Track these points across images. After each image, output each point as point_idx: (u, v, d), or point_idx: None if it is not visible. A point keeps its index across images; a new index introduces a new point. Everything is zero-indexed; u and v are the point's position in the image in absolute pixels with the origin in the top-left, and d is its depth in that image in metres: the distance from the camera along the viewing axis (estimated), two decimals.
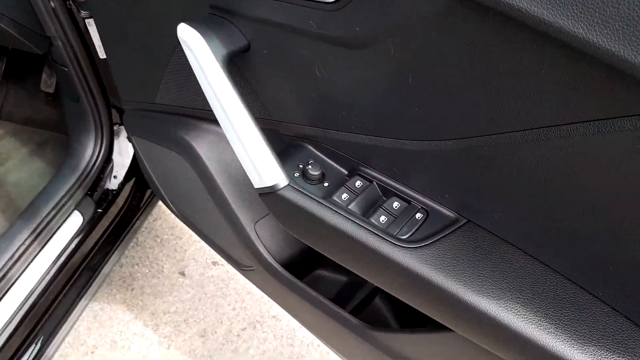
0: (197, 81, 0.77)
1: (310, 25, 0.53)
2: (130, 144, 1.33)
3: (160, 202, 1.60)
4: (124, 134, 1.31)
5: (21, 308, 1.03)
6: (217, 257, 1.77)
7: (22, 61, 1.53)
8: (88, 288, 1.17)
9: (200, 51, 0.60)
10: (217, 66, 0.60)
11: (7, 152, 1.48)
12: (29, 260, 1.07)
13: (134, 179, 1.35)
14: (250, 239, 0.83)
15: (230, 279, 1.72)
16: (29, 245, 1.07)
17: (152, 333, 1.52)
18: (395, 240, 0.52)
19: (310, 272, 0.91)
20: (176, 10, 0.70)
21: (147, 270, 1.70)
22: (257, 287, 1.00)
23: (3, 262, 1.03)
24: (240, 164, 0.77)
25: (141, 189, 1.38)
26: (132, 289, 1.63)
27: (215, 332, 1.55)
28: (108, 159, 1.30)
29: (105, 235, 1.24)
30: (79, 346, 1.47)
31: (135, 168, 1.35)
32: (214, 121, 0.84)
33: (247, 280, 1.74)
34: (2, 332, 0.99)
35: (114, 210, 1.27)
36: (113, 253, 1.25)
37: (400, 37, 0.46)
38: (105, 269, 1.22)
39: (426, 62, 0.46)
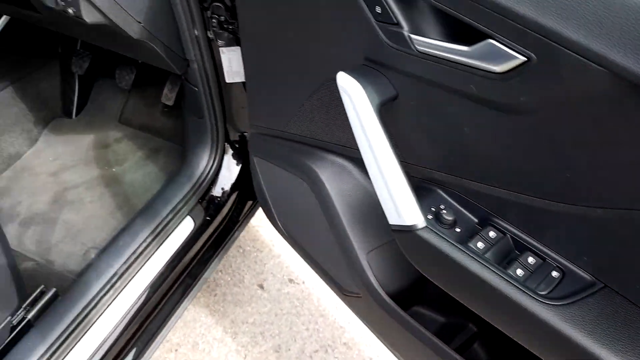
0: (334, 118, 0.85)
1: (470, 88, 0.59)
2: (234, 160, 1.45)
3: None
4: (230, 151, 1.44)
5: (135, 304, 1.14)
6: (294, 275, 1.85)
7: (146, 74, 1.71)
8: (190, 292, 1.27)
9: (358, 98, 0.67)
10: (372, 112, 0.67)
11: (125, 153, 1.64)
12: (147, 257, 1.18)
13: (236, 192, 1.46)
14: (362, 267, 0.90)
15: (305, 299, 1.79)
16: (149, 243, 1.19)
17: (231, 340, 1.61)
18: (535, 295, 0.56)
19: (409, 307, 0.95)
20: (331, 56, 0.78)
21: (229, 279, 1.80)
22: (357, 314, 1.06)
23: (127, 256, 1.15)
24: (362, 195, 0.83)
25: (242, 202, 1.48)
26: (215, 295, 1.74)
27: (289, 349, 1.62)
28: (217, 172, 1.42)
29: (210, 242, 1.35)
30: (165, 342, 1.58)
31: (239, 182, 1.46)
32: (339, 154, 0.92)
33: (320, 302, 1.82)
34: (117, 327, 1.10)
35: (218, 219, 1.38)
36: (214, 260, 1.35)
37: (565, 111, 0.51)
38: (206, 275, 1.33)
39: (590, 136, 0.50)
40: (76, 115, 1.73)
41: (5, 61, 1.56)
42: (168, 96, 1.61)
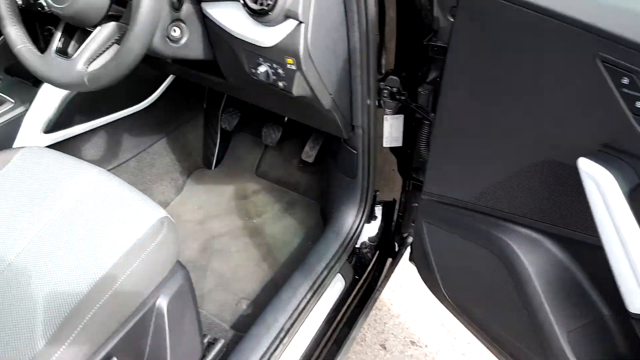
0: (547, 196, 0.86)
1: None
2: (378, 220, 1.49)
3: None
4: (375, 211, 1.47)
5: None
6: (415, 337, 1.83)
7: (287, 132, 1.81)
8: (340, 350, 1.29)
9: (608, 187, 0.69)
10: (623, 200, 0.68)
11: (263, 205, 1.73)
12: (308, 313, 1.22)
13: (379, 251, 1.49)
14: (561, 347, 0.88)
15: None
16: (309, 300, 1.23)
17: None
18: None
19: None
20: (552, 137, 0.80)
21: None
22: None
23: (290, 311, 1.19)
24: (559, 271, 0.82)
25: (382, 261, 1.51)
26: None
27: None
28: (362, 230, 1.46)
29: (356, 300, 1.38)
30: None
31: (381, 241, 1.50)
32: (533, 227, 0.93)
33: None
34: None
35: (364, 277, 1.41)
36: (360, 318, 1.37)
37: None
38: (354, 334, 1.34)
39: None
40: (215, 166, 1.85)
41: (163, 115, 1.71)
42: (309, 154, 1.69)
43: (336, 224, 1.45)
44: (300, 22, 0.93)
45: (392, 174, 1.45)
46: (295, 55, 0.96)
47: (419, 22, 1.18)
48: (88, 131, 1.47)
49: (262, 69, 1.01)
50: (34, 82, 1.41)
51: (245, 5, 0.93)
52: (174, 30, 1.09)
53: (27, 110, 1.29)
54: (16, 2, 1.02)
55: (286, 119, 1.72)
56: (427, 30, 1.16)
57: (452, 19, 1.14)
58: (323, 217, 1.65)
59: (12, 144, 1.30)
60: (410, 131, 1.35)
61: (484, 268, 1.00)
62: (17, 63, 1.52)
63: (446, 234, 1.10)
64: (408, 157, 1.43)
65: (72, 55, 0.99)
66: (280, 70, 0.99)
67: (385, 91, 1.24)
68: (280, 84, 1.02)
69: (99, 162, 1.55)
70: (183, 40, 1.10)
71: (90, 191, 1.04)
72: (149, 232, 0.98)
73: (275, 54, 0.98)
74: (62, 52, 0.99)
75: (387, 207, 1.52)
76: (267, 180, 1.80)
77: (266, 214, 1.68)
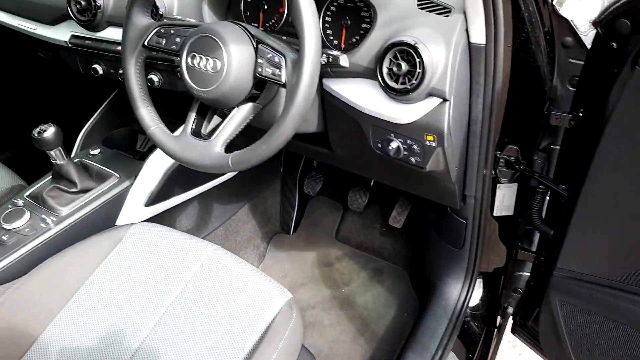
0: None
1: None
2: (483, 292, 1.43)
3: None
4: (480, 281, 1.42)
5: None
6: None
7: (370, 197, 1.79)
8: None
9: None
10: None
11: (349, 273, 1.68)
12: None
13: (486, 326, 1.42)
14: None
15: None
16: None
17: None
18: None
19: None
20: None
21: None
22: None
23: None
24: None
25: (489, 335, 1.43)
26: None
27: None
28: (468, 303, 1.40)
29: None
30: None
31: (488, 314, 1.43)
32: None
33: None
34: None
35: (476, 355, 1.33)
36: None
37: None
38: None
39: None
40: (294, 231, 1.83)
41: (246, 182, 1.71)
42: (396, 219, 1.66)
43: (442, 298, 1.39)
44: (445, 100, 0.92)
45: (492, 241, 1.40)
46: (438, 133, 0.94)
47: (538, 91, 1.17)
48: (182, 202, 1.46)
49: (394, 145, 0.99)
50: (140, 156, 1.43)
51: (384, 84, 0.93)
52: None
53: (132, 184, 1.29)
54: (146, 83, 1.04)
55: (372, 183, 1.70)
56: (545, 99, 1.15)
57: (572, 88, 1.13)
58: (415, 286, 1.59)
59: (117, 218, 1.29)
60: (520, 199, 1.32)
61: (631, 350, 0.93)
62: (113, 135, 1.55)
63: (584, 312, 1.04)
64: (514, 224, 1.38)
65: (206, 135, 0.99)
66: (415, 147, 0.98)
67: (502, 160, 1.22)
68: (413, 159, 1.00)
69: (192, 231, 1.53)
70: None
71: (211, 270, 1.02)
72: (281, 317, 0.95)
73: (412, 130, 0.97)
74: (196, 132, 0.99)
75: (489, 277, 1.46)
76: (348, 246, 1.76)
77: (353, 283, 1.63)
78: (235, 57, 0.89)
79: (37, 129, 1.14)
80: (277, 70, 0.86)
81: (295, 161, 1.86)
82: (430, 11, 0.95)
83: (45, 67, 1.80)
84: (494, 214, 1.31)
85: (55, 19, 1.34)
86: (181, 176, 1.41)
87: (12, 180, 1.39)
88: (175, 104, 1.25)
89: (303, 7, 0.80)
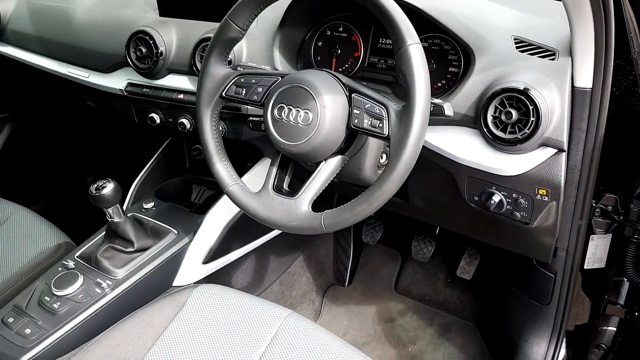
0: None
1: None
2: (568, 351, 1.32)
3: None
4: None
5: None
6: None
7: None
8: None
9: None
10: None
11: (414, 330, 1.56)
12: None
13: None
14: None
15: None
16: None
17: None
18: None
19: None
20: None
21: None
22: None
23: None
24: None
25: None
26: None
27: None
28: None
29: None
30: None
31: None
32: None
33: None
34: None
35: None
36: None
37: None
38: None
39: None
40: (349, 282, 1.73)
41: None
42: (465, 269, 1.56)
43: (525, 358, 1.27)
44: (561, 151, 0.84)
45: (575, 294, 1.29)
46: (553, 186, 0.85)
47: (637, 137, 1.09)
48: (239, 258, 1.38)
49: (496, 198, 0.91)
50: (197, 209, 1.36)
51: (489, 134, 0.86)
52: (382, 157, 1.02)
53: (191, 241, 1.21)
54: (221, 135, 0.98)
55: (438, 230, 1.60)
56: None
57: None
58: (489, 344, 1.47)
59: (174, 278, 1.21)
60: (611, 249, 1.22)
61: None
62: (166, 186, 1.49)
63: None
64: (603, 277, 1.28)
65: (287, 191, 0.92)
66: (522, 201, 0.89)
67: (598, 209, 1.13)
68: (518, 214, 0.91)
69: (249, 289, 1.44)
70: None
71: (289, 338, 0.92)
72: None
73: (520, 183, 0.88)
74: (278, 189, 0.92)
75: (570, 333, 1.35)
76: (410, 299, 1.65)
77: (420, 340, 1.52)
78: (329, 109, 0.82)
79: (95, 185, 1.07)
80: (378, 122, 0.79)
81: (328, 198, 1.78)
82: (532, 54, 0.89)
83: (94, 115, 1.76)
84: (585, 267, 1.21)
85: (110, 67, 1.29)
86: (240, 230, 1.33)
87: (57, 237, 1.32)
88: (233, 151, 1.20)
89: (413, 53, 0.74)
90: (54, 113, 1.81)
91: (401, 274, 1.70)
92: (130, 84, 1.28)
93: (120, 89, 1.29)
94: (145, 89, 1.25)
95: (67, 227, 1.47)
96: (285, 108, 0.85)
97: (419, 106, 0.73)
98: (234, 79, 0.92)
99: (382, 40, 1.09)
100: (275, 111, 0.86)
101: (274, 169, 0.91)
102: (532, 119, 0.81)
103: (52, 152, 1.87)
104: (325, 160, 0.87)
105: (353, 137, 0.88)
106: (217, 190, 1.42)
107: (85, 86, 1.37)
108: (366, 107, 0.80)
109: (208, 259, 1.27)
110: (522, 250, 1.14)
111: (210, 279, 1.30)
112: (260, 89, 0.90)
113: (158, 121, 1.29)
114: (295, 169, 0.95)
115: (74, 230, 1.45)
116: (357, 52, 1.11)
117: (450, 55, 1.00)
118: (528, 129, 0.82)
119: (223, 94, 0.93)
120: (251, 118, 1.08)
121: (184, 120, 1.26)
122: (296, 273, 1.62)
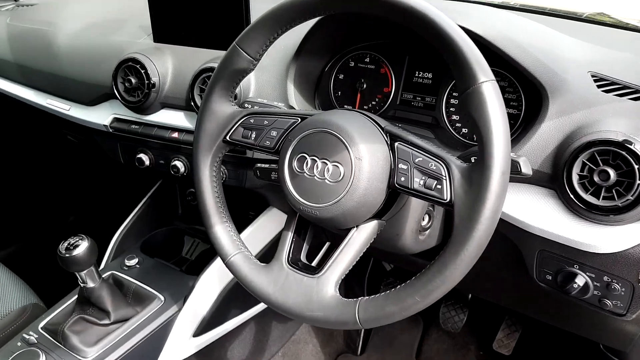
0: None
1: None
2: None
3: None
4: None
5: None
6: None
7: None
8: None
9: None
10: None
11: None
12: None
13: None
14: None
15: None
16: None
17: None
18: None
19: None
20: None
21: None
22: None
23: None
24: None
25: None
26: None
27: None
28: None
29: None
30: None
31: None
32: None
33: None
34: None
35: None
36: None
37: None
38: None
39: None
40: (362, 351, 1.50)
41: None
42: (503, 342, 1.34)
43: None
44: None
45: None
46: None
47: None
48: (236, 327, 1.16)
49: (580, 281, 0.71)
50: (188, 267, 1.15)
51: (575, 198, 0.66)
52: (424, 219, 0.82)
53: (180, 310, 1.00)
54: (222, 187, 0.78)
55: (470, 297, 1.39)
56: None
57: None
58: None
59: (159, 355, 0.99)
60: None
61: None
62: (153, 238, 1.29)
63: None
64: None
65: (304, 264, 0.71)
66: (616, 286, 0.69)
67: None
68: (609, 303, 0.71)
69: None
70: (428, 231, 0.83)
71: None
72: None
73: (615, 263, 0.68)
74: (294, 262, 0.71)
75: None
76: None
77: None
78: (366, 162, 0.63)
79: (65, 244, 0.88)
80: (435, 183, 0.59)
81: (361, 262, 1.57)
82: (620, 95, 0.71)
83: (75, 151, 1.57)
84: None
85: (94, 99, 1.11)
86: (239, 294, 1.12)
87: (23, 298, 1.11)
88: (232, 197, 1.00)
89: (488, 93, 0.55)
90: (31, 147, 1.62)
91: (424, 343, 1.48)
92: (116, 120, 1.10)
93: (104, 125, 1.10)
94: (133, 126, 1.07)
95: (38, 281, 1.26)
96: (308, 159, 0.66)
97: (498, 165, 0.54)
98: (241, 119, 0.74)
99: (419, 74, 0.92)
100: (295, 163, 0.67)
101: (289, 235, 0.72)
102: (638, 181, 0.61)
103: (27, 191, 1.66)
104: (358, 226, 0.67)
105: (394, 197, 0.69)
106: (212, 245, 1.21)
107: (65, 120, 1.19)
108: (416, 161, 0.61)
109: (199, 331, 1.06)
110: (595, 336, 0.93)
111: (202, 354, 1.08)
112: (274, 133, 0.72)
113: (147, 163, 1.10)
114: (314, 234, 0.75)
115: (46, 287, 1.24)
116: (387, 88, 0.93)
117: (508, 94, 0.82)
118: (632, 195, 0.62)
119: (227, 137, 0.75)
120: (259, 165, 0.89)
121: (178, 163, 1.07)
122: (301, 341, 1.40)
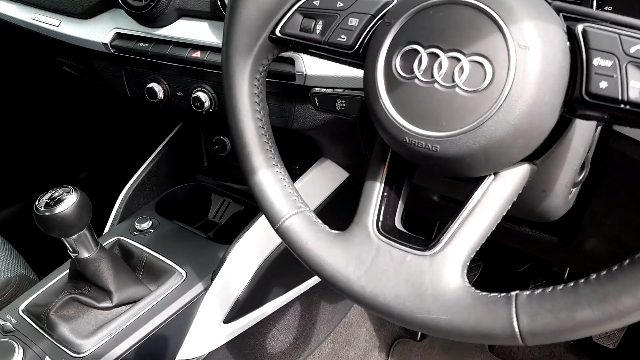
0: None
1: None
2: None
3: None
4: None
5: None
6: None
7: None
8: None
9: None
10: None
11: None
12: None
13: None
14: None
15: None
16: None
17: None
18: None
19: None
20: None
21: None
22: None
23: None
24: None
25: None
26: None
27: None
28: None
29: None
30: None
31: None
32: None
33: None
34: None
35: None
36: None
37: None
38: None
39: None
40: (422, 335, 1.27)
41: None
42: (607, 334, 1.08)
43: None
44: None
45: None
46: None
47: None
48: (277, 310, 0.93)
49: None
50: (216, 233, 0.91)
51: None
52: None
53: (206, 289, 0.77)
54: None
55: (567, 273, 1.13)
56: None
57: None
58: None
59: (180, 347, 0.76)
60: None
61: None
62: (172, 195, 1.04)
63: None
64: None
65: (403, 232, 0.45)
66: None
67: None
68: None
69: (289, 353, 0.99)
70: (576, 188, 0.56)
71: None
72: None
73: None
74: (388, 229, 0.45)
75: None
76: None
77: None
78: (537, 55, 0.36)
79: (45, 198, 0.64)
80: None
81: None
82: None
83: (75, 86, 1.32)
84: None
85: (89, 8, 0.85)
86: (284, 270, 0.87)
87: (9, 268, 0.90)
88: None
89: None
90: (22, 86, 1.36)
91: None
92: (119, 36, 0.83)
93: (103, 44, 0.84)
94: (141, 43, 0.81)
95: (33, 249, 1.04)
96: (424, 53, 0.39)
97: None
98: (297, 3, 0.47)
99: None
100: (398, 61, 0.41)
101: (377, 188, 0.45)
102: None
103: (22, 141, 1.42)
104: (497, 173, 0.41)
105: (564, 125, 0.42)
106: (248, 205, 0.96)
107: (57, 42, 0.93)
108: (632, 51, 0.34)
109: (232, 316, 0.82)
110: None
111: (234, 345, 0.85)
112: (354, 21, 0.46)
113: (161, 95, 0.84)
114: (411, 192, 0.49)
115: (42, 256, 1.01)
116: None
117: None
118: None
119: (277, 31, 0.48)
120: (317, 90, 0.62)
121: (201, 95, 0.81)
122: (353, 324, 1.16)
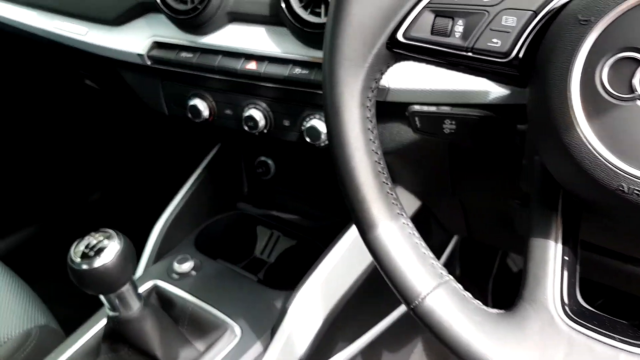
0: None
1: None
2: None
3: None
4: None
5: None
6: None
7: None
8: None
9: None
10: None
11: None
12: None
13: None
14: None
15: None
16: None
17: None
18: None
19: None
20: None
21: None
22: None
23: None
24: None
25: None
26: None
27: None
28: None
29: None
30: None
31: None
32: None
33: None
34: None
35: None
36: None
37: None
38: None
39: None
40: None
41: None
42: None
43: None
44: None
45: None
46: None
47: None
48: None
49: None
50: (266, 276, 0.79)
51: None
52: None
53: (266, 349, 0.65)
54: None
55: None
56: None
57: None
58: None
59: None
60: None
61: None
62: (212, 229, 0.93)
63: None
64: None
65: (590, 313, 0.33)
66: None
67: None
68: None
69: None
70: None
71: None
72: None
73: None
74: (574, 309, 0.33)
75: None
76: None
77: None
78: None
79: (82, 246, 0.52)
80: None
81: (485, 255, 1.19)
82: None
83: (97, 102, 1.21)
84: None
85: (122, 14, 0.74)
86: (353, 319, 0.75)
87: (29, 316, 0.78)
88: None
89: None
90: (40, 102, 1.25)
91: None
92: (157, 45, 0.72)
93: (139, 54, 0.73)
94: (184, 53, 0.70)
95: (49, 289, 0.93)
96: None
97: None
98: None
99: None
100: (605, 74, 0.29)
101: (553, 249, 0.33)
102: None
103: (35, 162, 1.30)
104: None
105: None
106: (301, 239, 0.85)
107: (82, 53, 0.82)
108: None
109: None
110: None
111: None
112: (509, 19, 0.34)
113: (206, 113, 0.73)
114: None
115: (61, 298, 0.91)
116: None
117: None
118: None
119: (398, 35, 0.37)
120: (418, 108, 0.50)
121: (255, 113, 0.70)
122: None
